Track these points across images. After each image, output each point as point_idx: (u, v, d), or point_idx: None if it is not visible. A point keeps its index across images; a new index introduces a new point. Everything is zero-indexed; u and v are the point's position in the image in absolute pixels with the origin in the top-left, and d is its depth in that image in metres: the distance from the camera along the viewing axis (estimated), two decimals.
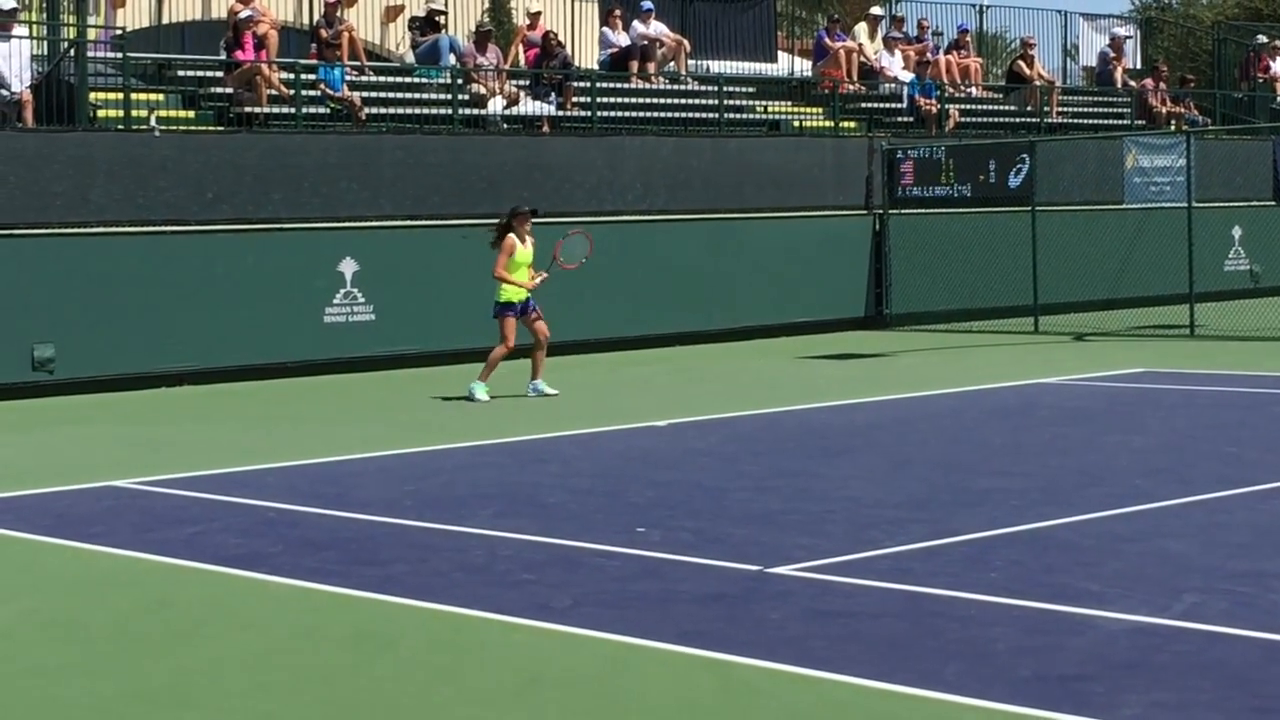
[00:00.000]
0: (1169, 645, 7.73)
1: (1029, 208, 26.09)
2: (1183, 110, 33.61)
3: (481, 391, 18.30)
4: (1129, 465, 13.01)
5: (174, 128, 21.80)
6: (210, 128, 22.39)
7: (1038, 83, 32.10)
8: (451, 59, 25.09)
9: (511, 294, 18.35)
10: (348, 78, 23.99)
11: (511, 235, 18.32)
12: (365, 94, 24.04)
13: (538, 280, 18.38)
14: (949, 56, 31.54)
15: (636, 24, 27.78)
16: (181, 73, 23.44)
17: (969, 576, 9.18)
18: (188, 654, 8.11)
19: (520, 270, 18.33)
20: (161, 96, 22.59)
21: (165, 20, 26.50)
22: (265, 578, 9.64)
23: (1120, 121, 32.83)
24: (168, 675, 7.75)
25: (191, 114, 22.69)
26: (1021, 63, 32.43)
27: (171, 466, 13.90)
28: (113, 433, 16.73)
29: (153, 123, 21.39)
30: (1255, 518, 10.83)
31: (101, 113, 21.63)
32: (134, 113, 21.57)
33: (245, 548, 10.55)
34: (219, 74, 23.29)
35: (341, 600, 9.07)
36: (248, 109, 22.65)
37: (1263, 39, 36.53)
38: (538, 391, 18.46)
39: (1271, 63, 36.05)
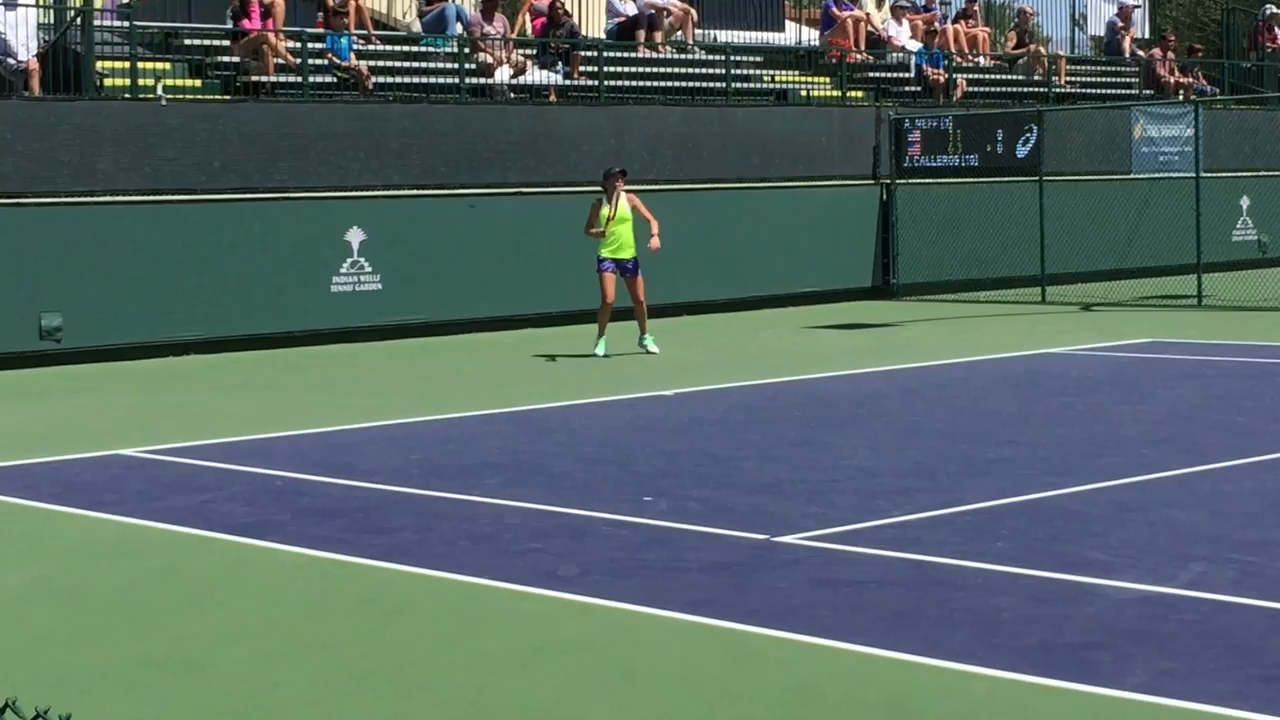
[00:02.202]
0: (1176, 614, 7.73)
1: (1036, 178, 26.06)
2: (1191, 80, 33.53)
3: (601, 347, 19.23)
4: (1136, 435, 13.01)
5: (181, 97, 21.79)
6: (217, 97, 22.37)
7: (1036, 52, 31.99)
8: (458, 28, 25.04)
9: (603, 248, 19.33)
10: (355, 47, 23.96)
11: (598, 200, 19.28)
12: (372, 63, 24.02)
13: (603, 231, 19.21)
14: (956, 26, 31.47)
15: None
16: (188, 41, 23.40)
17: (976, 546, 9.19)
18: (195, 622, 8.13)
19: (610, 228, 19.19)
20: (168, 65, 22.56)
21: None
22: (273, 546, 9.66)
23: (1128, 91, 32.76)
24: (175, 643, 7.77)
25: (198, 83, 22.67)
26: (1013, 35, 32.36)
27: (179, 435, 13.92)
28: (120, 401, 16.75)
29: (159, 92, 21.37)
30: (1262, 487, 10.84)
31: (108, 81, 21.61)
32: (141, 81, 21.55)
33: (253, 516, 10.57)
34: (226, 43, 23.26)
35: (349, 569, 9.08)
36: (254, 78, 22.63)
37: (1272, 9, 36.39)
38: (643, 348, 19.37)
39: None
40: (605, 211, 19.21)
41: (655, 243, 19.35)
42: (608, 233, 19.21)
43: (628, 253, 19.31)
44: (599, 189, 19.49)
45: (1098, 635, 7.38)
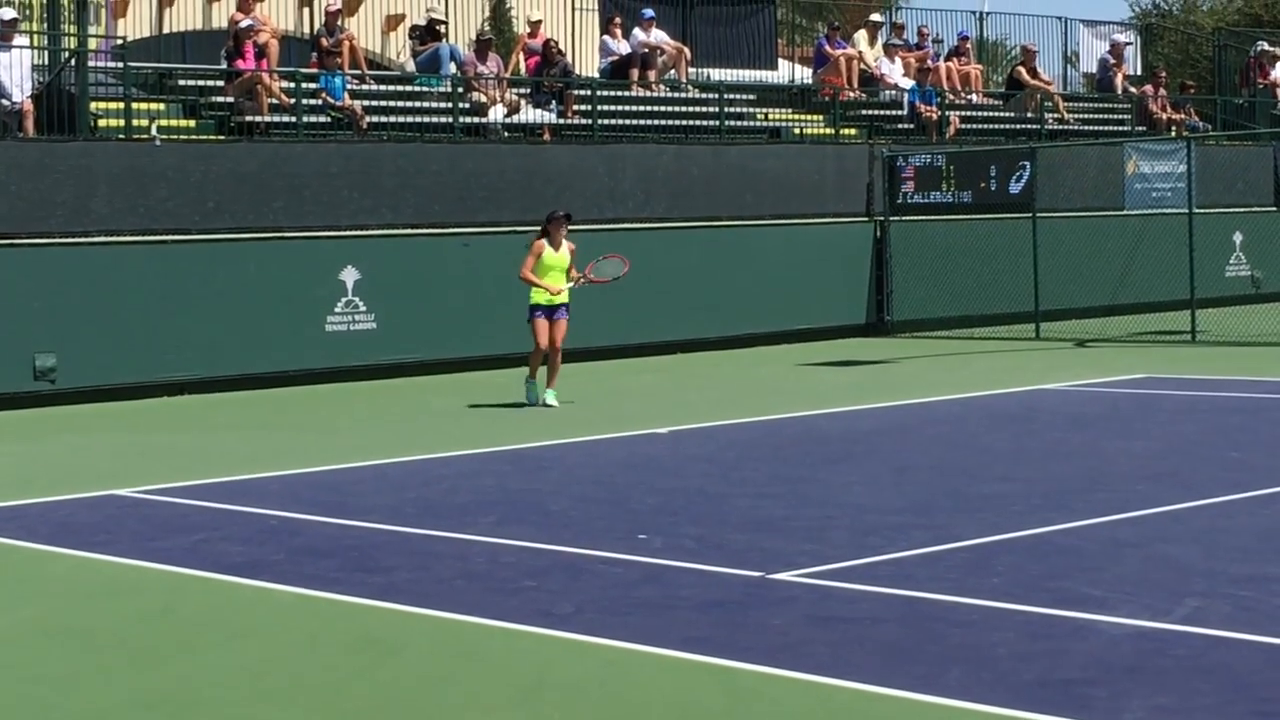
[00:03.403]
0: (1171, 649, 7.73)
1: (1030, 214, 26.09)
2: (1183, 116, 33.61)
3: (533, 392, 18.45)
4: (1130, 470, 13.01)
5: (175, 137, 21.81)
6: (211, 137, 22.40)
7: (1038, 84, 32.06)
8: (452, 67, 25.10)
9: (538, 296, 18.44)
10: (349, 86, 24.00)
11: (541, 239, 18.44)
12: (366, 103, 24.05)
13: (560, 288, 18.34)
14: (949, 63, 31.55)
15: (637, 32, 27.80)
16: (182, 82, 23.46)
17: (971, 582, 9.19)
18: (190, 662, 8.12)
19: (550, 274, 18.39)
20: (162, 106, 22.60)
21: (166, 30, 26.53)
22: (267, 586, 9.64)
23: (1121, 127, 32.83)
24: (170, 683, 7.75)
25: (192, 123, 22.69)
26: (1022, 69, 32.43)
27: (173, 475, 13.90)
28: (114, 441, 16.74)
29: (154, 132, 21.41)
30: (1257, 522, 10.84)
31: (102, 122, 21.64)
32: (135, 122, 21.57)
33: (247, 556, 10.56)
34: (220, 83, 23.30)
35: (343, 608, 9.07)
36: (249, 118, 22.66)
37: (1263, 45, 36.53)
38: (543, 402, 18.39)
39: (1272, 69, 36.04)
40: (548, 257, 18.32)
41: (593, 278, 18.63)
42: (546, 281, 18.30)
43: (561, 299, 18.45)
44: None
45: (1093, 671, 7.38)
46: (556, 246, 18.43)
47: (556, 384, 18.42)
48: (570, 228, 18.64)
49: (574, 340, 22.13)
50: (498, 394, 19.77)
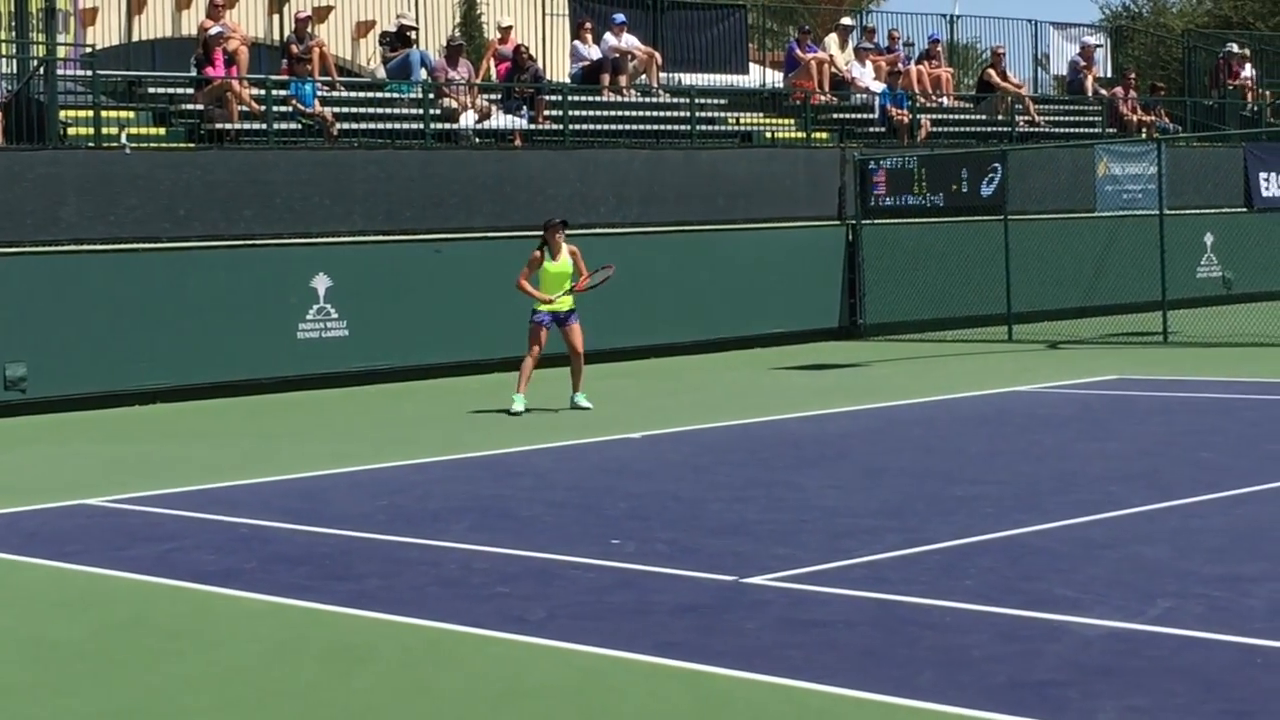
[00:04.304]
0: (1144, 650, 7.74)
1: (1001, 217, 26.14)
2: (1154, 118, 33.69)
3: (518, 403, 18.18)
4: (1103, 471, 13.03)
5: (145, 145, 21.74)
6: (181, 145, 22.33)
7: (1008, 87, 32.11)
8: (423, 73, 25.07)
9: (539, 303, 18.41)
10: (319, 93, 23.96)
11: (540, 249, 18.40)
12: (337, 109, 24.02)
13: (553, 297, 18.33)
14: (920, 67, 31.59)
15: (608, 37, 27.79)
16: (152, 90, 23.38)
17: (944, 584, 9.19)
18: (161, 671, 8.08)
19: (553, 282, 18.35)
20: (132, 114, 22.52)
21: (135, 38, 26.48)
22: (239, 594, 9.61)
23: (1091, 129, 32.90)
24: (141, 693, 7.72)
25: (162, 131, 22.63)
26: (992, 71, 32.49)
27: (145, 484, 13.85)
28: (85, 451, 16.67)
29: (123, 140, 21.34)
30: (1229, 522, 10.86)
31: (72, 130, 21.56)
32: (104, 130, 21.50)
33: (219, 564, 10.52)
34: (190, 91, 23.24)
35: (316, 615, 9.04)
36: (219, 126, 22.60)
37: (1232, 47, 36.63)
38: (573, 404, 18.34)
39: (1241, 70, 36.17)
40: (548, 265, 18.30)
41: (583, 283, 18.54)
42: (547, 289, 18.29)
43: (566, 305, 18.47)
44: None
45: (1066, 672, 7.38)
46: (555, 254, 18.40)
47: (583, 385, 18.43)
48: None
49: (546, 346, 22.15)
50: (471, 400, 19.74)
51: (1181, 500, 11.59)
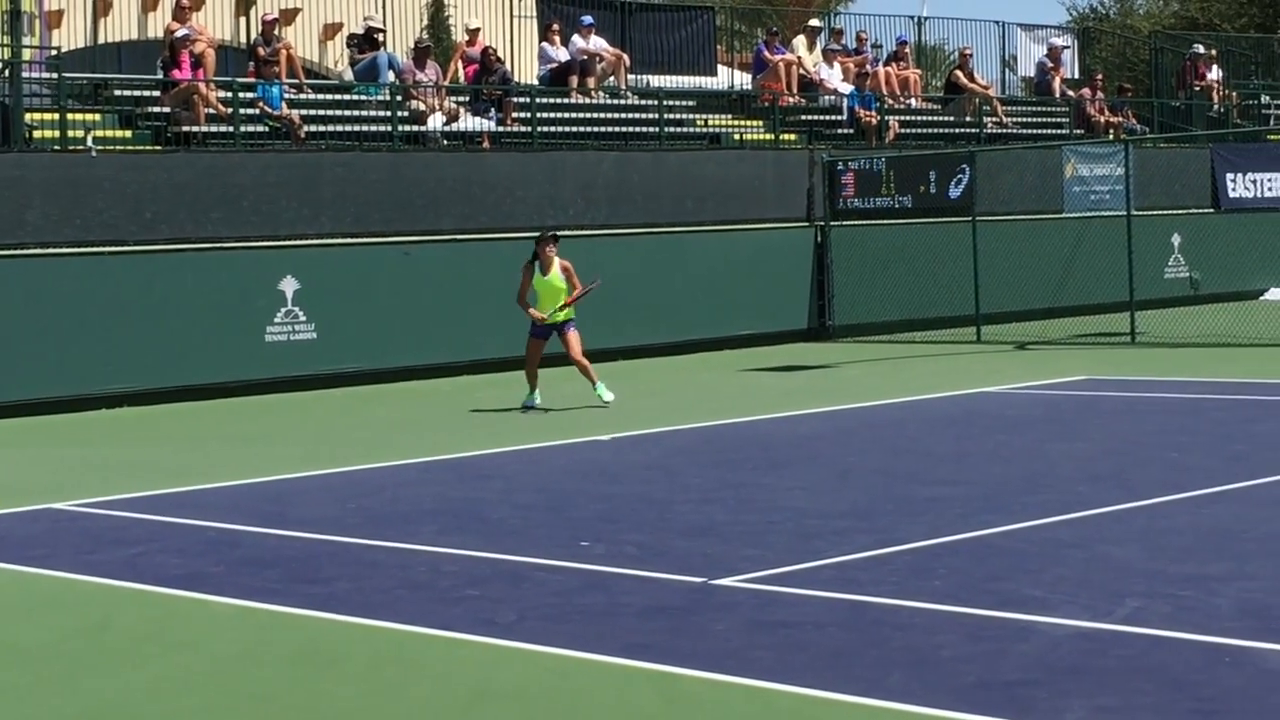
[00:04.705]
0: (1112, 650, 7.75)
1: (970, 218, 26.18)
2: (1121, 119, 33.78)
3: (529, 399, 18.60)
4: (1071, 472, 13.06)
5: (111, 148, 21.67)
6: (148, 147, 22.27)
7: (976, 88, 32.17)
8: (390, 76, 25.03)
9: (535, 315, 18.56)
10: (286, 95, 23.91)
11: (531, 263, 18.50)
12: (304, 112, 23.96)
13: (543, 316, 18.44)
14: (888, 68, 31.63)
15: (576, 39, 27.78)
16: (118, 92, 23.31)
17: (913, 585, 9.19)
18: (129, 675, 8.05)
19: (543, 297, 18.48)
20: (98, 116, 22.44)
21: (101, 40, 26.39)
22: (207, 598, 9.57)
23: (1059, 131, 32.98)
24: (109, 697, 7.69)
25: (129, 134, 22.56)
26: (959, 73, 32.55)
27: (112, 488, 13.80)
28: (52, 455, 16.60)
29: (89, 143, 21.27)
30: (1197, 522, 10.89)
31: (37, 133, 21.47)
32: (70, 133, 21.42)
33: (186, 568, 10.48)
34: (156, 93, 23.17)
35: (284, 619, 9.01)
36: (185, 128, 22.54)
37: (1199, 48, 36.75)
38: (597, 398, 18.45)
39: (1208, 71, 36.29)
40: (538, 279, 18.42)
41: (574, 297, 18.53)
42: (541, 304, 18.44)
43: (561, 316, 18.52)
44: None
45: (1035, 672, 7.39)
46: (546, 269, 18.44)
47: (599, 379, 18.57)
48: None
49: (516, 348, 22.15)
50: (440, 403, 19.71)
51: (1149, 500, 11.62)
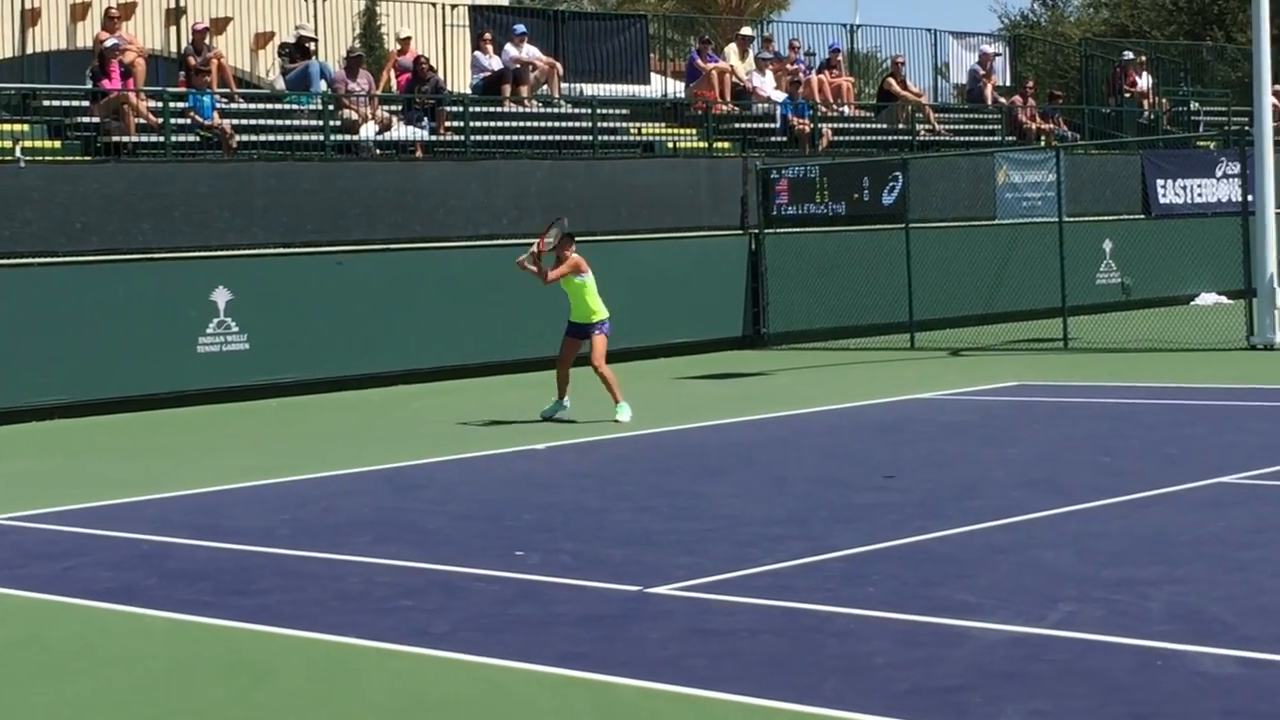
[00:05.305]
0: (1045, 654, 7.77)
1: (903, 225, 26.27)
2: (1052, 126, 33.98)
3: (552, 407, 18.20)
4: (1004, 477, 13.11)
5: (40, 158, 21.48)
6: (77, 158, 22.10)
7: (908, 96, 32.30)
8: (322, 85, 24.93)
9: (572, 313, 18.28)
10: (218, 105, 23.77)
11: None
12: (236, 121, 23.83)
13: (585, 318, 18.19)
14: (821, 76, 31.72)
15: (509, 47, 27.74)
16: (47, 102, 23.15)
17: (847, 591, 9.20)
18: (59, 690, 7.97)
19: (571, 299, 18.16)
20: (27, 127, 22.26)
21: (30, 50, 26.17)
22: (138, 611, 9.50)
23: (991, 138, 33.14)
24: (38, 713, 7.61)
25: (58, 144, 22.38)
26: (892, 80, 32.68)
27: (42, 501, 13.67)
28: None
29: (18, 154, 21.08)
30: (1129, 526, 10.94)
31: None
32: None
33: (118, 581, 10.40)
34: (86, 103, 23.00)
35: (216, 632, 8.95)
36: (116, 138, 22.39)
37: (1129, 55, 37.00)
38: (615, 418, 17.63)
39: (1138, 78, 36.54)
40: (565, 280, 18.08)
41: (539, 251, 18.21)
42: (572, 309, 18.16)
43: (579, 316, 18.12)
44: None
45: (969, 677, 7.40)
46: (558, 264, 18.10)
47: (621, 396, 17.84)
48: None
49: (450, 357, 22.11)
50: (374, 413, 19.63)
51: (1082, 505, 11.66)
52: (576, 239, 18.50)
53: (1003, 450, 14.67)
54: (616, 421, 17.51)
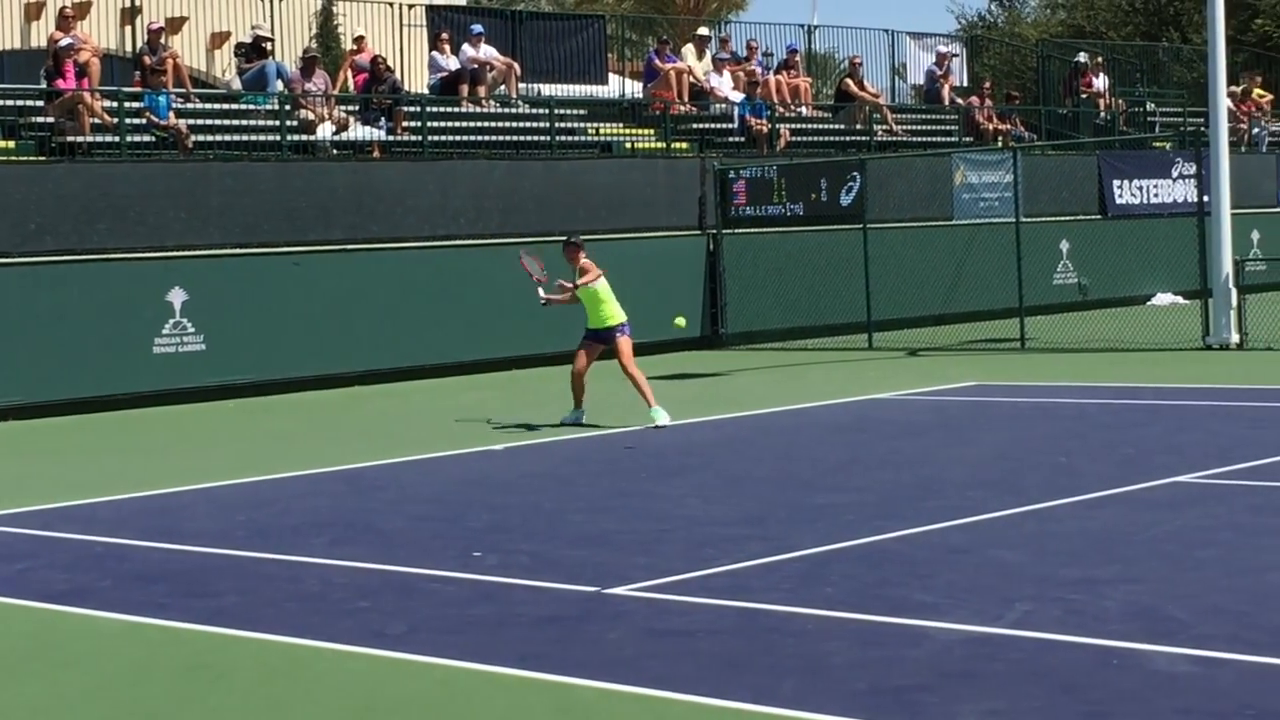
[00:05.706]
0: (1002, 654, 7.78)
1: (861, 225, 26.31)
2: (1009, 127, 34.08)
3: (570, 414, 17.65)
4: (962, 478, 13.12)
5: None
6: (32, 158, 21.99)
7: (866, 96, 32.36)
8: (279, 85, 24.86)
9: (589, 319, 17.77)
10: (173, 105, 23.68)
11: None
12: (191, 121, 23.75)
13: (536, 268, 18.04)
14: (778, 76, 31.75)
15: (466, 48, 27.70)
16: (1, 102, 23.02)
17: (805, 592, 9.20)
18: (11, 694, 7.92)
19: (587, 307, 17.68)
20: None
21: None
22: (92, 613, 9.44)
23: (948, 138, 33.22)
24: None
25: (12, 144, 22.26)
26: (850, 81, 32.73)
27: None
28: None
29: None
30: (1085, 525, 10.96)
31: None
32: None
33: (72, 583, 10.34)
34: (40, 103, 22.89)
35: (172, 634, 8.90)
36: (70, 138, 22.28)
37: (1084, 56, 37.13)
38: (653, 423, 17.05)
39: (1095, 79, 36.67)
40: (580, 289, 17.63)
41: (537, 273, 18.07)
42: (589, 316, 17.72)
43: (597, 322, 17.69)
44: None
45: (926, 677, 7.40)
46: (581, 276, 17.68)
47: (654, 399, 17.37)
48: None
49: (409, 357, 22.05)
50: (330, 414, 19.57)
51: (1039, 505, 11.69)
52: (572, 242, 18.11)
53: (960, 450, 14.70)
54: (657, 427, 16.92)
